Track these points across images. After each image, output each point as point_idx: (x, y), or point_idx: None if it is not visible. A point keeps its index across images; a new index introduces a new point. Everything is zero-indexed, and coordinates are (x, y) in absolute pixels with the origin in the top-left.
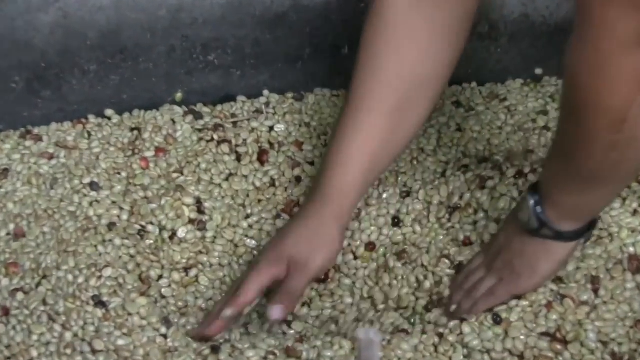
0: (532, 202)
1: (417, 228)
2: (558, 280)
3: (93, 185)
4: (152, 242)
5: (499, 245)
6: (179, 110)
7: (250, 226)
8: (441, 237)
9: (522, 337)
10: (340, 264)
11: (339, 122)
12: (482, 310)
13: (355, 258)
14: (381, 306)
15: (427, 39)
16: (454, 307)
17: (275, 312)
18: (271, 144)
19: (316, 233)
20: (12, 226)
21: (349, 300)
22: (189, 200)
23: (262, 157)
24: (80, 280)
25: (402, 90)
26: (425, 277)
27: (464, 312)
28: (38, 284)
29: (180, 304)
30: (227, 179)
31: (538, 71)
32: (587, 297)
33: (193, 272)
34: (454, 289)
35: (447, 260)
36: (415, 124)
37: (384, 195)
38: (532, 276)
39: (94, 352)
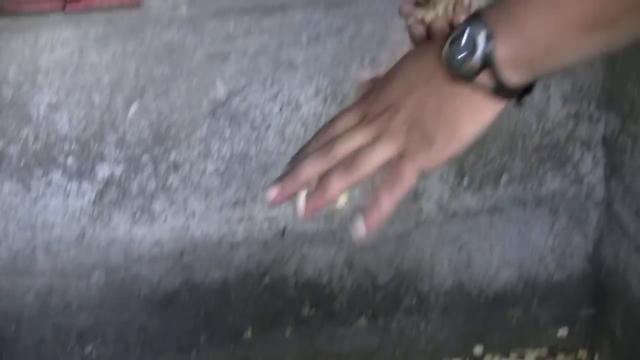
0: (482, 32)
1: None
2: None
3: None
4: None
5: (398, 89)
6: None
7: None
8: None
9: None
10: None
11: None
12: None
13: None
14: None
15: None
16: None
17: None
18: None
19: None
20: None
21: None
22: None
23: None
24: None
25: None
26: None
27: (322, 197)
28: None
29: None
30: None
31: (477, 350)
32: None
33: None
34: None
35: None
36: None
37: None
38: (451, 141)
39: None
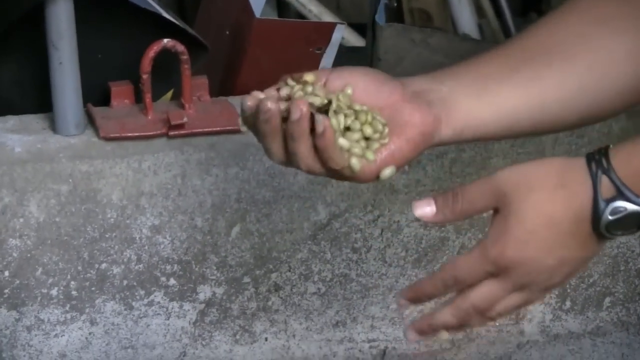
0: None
1: None
2: None
3: None
4: None
5: (550, 258)
6: None
7: None
8: None
9: None
10: None
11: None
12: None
13: None
14: None
15: (632, 39)
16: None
17: None
18: None
19: None
20: None
21: None
22: None
23: None
24: None
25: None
26: None
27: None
28: None
29: None
30: None
31: None
32: None
33: None
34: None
35: None
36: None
37: None
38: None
39: None
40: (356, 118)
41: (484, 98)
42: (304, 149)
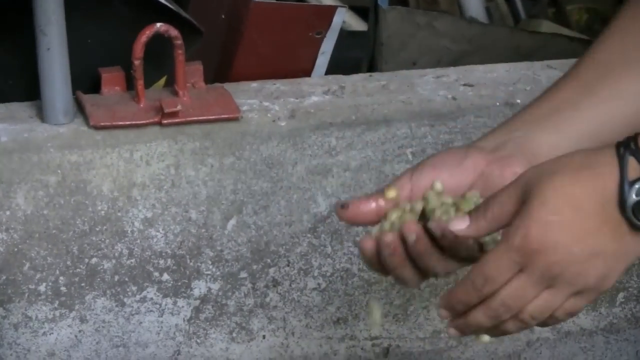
0: None
1: None
2: None
3: None
4: None
5: (578, 249)
6: None
7: None
8: None
9: None
10: None
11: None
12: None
13: None
14: None
15: None
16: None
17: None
18: None
19: None
20: None
21: None
22: None
23: None
24: None
25: None
26: None
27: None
28: None
29: None
30: None
31: None
32: None
33: None
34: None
35: None
36: None
37: None
38: (603, 291)
39: None
40: (458, 210)
41: (562, 129)
42: (435, 259)
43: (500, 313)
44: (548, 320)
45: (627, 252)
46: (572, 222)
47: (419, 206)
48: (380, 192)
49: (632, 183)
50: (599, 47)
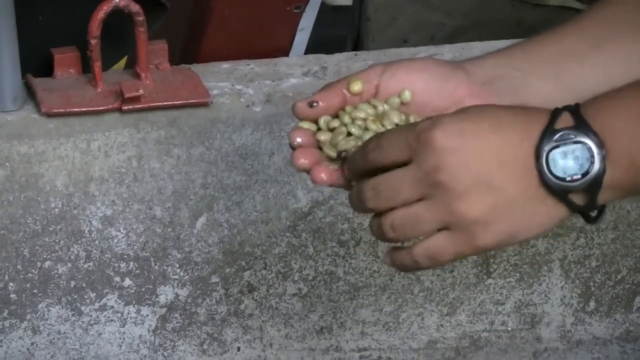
0: (598, 153)
1: None
2: None
3: None
4: None
5: (478, 181)
6: None
7: None
8: None
9: None
10: None
11: None
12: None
13: None
14: None
15: None
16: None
17: None
18: None
19: None
20: None
21: None
22: None
23: None
24: None
25: None
26: None
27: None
28: None
29: None
30: None
31: None
32: None
33: None
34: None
35: None
36: None
37: None
38: (502, 242)
39: None
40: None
41: (562, 81)
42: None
43: (378, 195)
44: (404, 257)
45: (532, 214)
46: (484, 140)
47: (370, 118)
48: (345, 82)
49: (556, 131)
50: (608, 5)
